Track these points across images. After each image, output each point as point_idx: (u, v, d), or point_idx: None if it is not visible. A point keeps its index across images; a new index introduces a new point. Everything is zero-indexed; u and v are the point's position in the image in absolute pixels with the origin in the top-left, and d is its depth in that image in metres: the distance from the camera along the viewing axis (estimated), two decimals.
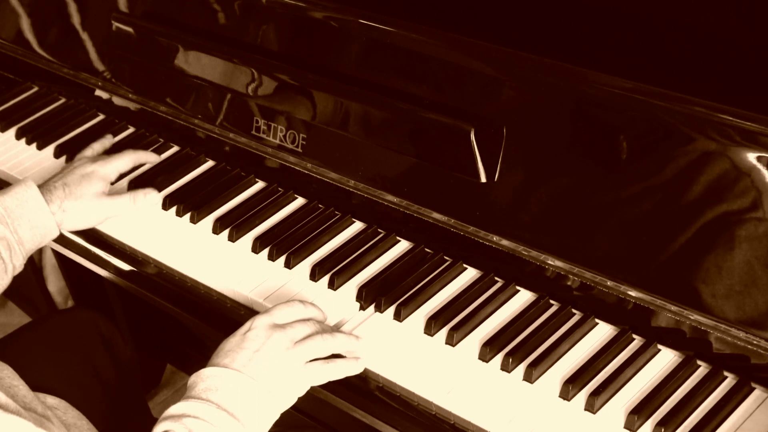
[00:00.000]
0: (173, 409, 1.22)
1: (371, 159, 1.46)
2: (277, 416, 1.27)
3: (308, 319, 1.34)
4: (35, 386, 1.43)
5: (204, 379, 1.24)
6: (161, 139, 1.79)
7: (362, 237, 1.53)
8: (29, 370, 1.42)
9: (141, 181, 1.69)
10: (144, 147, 1.78)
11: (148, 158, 1.75)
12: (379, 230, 1.53)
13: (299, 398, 1.30)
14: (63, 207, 1.56)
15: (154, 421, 1.21)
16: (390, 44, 1.44)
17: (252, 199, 1.63)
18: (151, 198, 1.64)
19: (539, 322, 1.36)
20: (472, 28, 1.42)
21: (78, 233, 1.65)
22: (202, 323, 1.55)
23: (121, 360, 1.73)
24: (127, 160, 1.70)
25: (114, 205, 1.62)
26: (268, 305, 1.44)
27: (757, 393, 1.25)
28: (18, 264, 1.50)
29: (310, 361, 1.30)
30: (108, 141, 1.80)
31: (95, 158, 1.68)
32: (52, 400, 1.46)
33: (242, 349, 1.27)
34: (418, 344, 1.36)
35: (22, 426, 1.11)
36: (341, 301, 1.43)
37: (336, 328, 1.38)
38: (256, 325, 1.30)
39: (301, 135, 1.53)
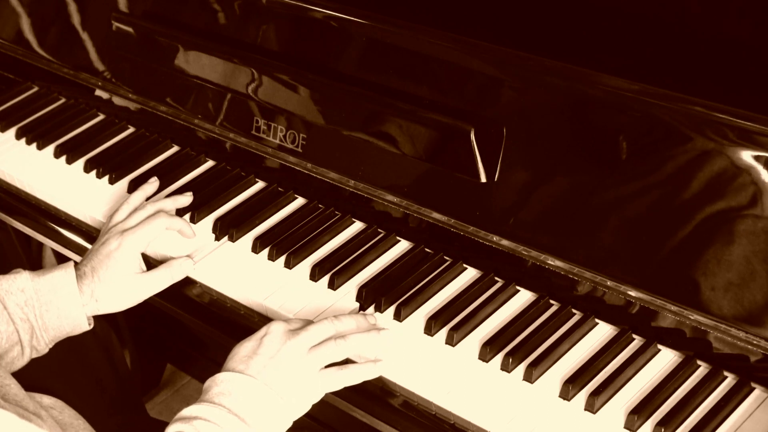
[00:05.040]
0: (186, 411, 1.22)
1: (371, 159, 1.46)
2: (289, 424, 1.26)
3: (324, 322, 1.32)
4: (31, 386, 1.42)
5: (218, 383, 1.24)
6: (161, 139, 1.79)
7: (362, 237, 1.53)
8: (23, 370, 1.42)
9: (141, 182, 1.69)
10: (144, 147, 1.78)
11: (184, 227, 1.54)
12: (379, 230, 1.53)
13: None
14: (95, 296, 1.43)
15: (149, 419, 1.21)
16: (390, 44, 1.44)
17: (252, 199, 1.63)
18: (188, 265, 1.50)
19: (539, 322, 1.36)
20: (472, 28, 1.42)
21: (76, 232, 1.65)
22: (202, 323, 1.55)
23: (117, 360, 1.73)
24: (158, 224, 1.51)
25: (150, 283, 1.47)
26: (267, 305, 1.44)
27: (757, 393, 1.25)
28: (41, 348, 1.41)
29: (326, 366, 1.29)
30: (151, 187, 1.64)
31: (124, 225, 1.50)
32: (48, 400, 1.46)
33: (257, 355, 1.26)
34: (418, 344, 1.36)
35: (3, 416, 1.11)
36: (341, 302, 1.43)
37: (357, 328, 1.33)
38: (272, 331, 1.29)
39: (301, 135, 1.53)
